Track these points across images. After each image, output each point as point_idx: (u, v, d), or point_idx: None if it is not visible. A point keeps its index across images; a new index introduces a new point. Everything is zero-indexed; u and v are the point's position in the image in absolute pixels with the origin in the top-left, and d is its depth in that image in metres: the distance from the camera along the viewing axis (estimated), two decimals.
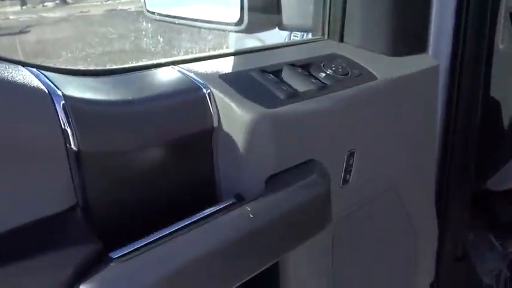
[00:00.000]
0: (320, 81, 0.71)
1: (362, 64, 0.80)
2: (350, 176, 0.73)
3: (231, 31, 1.01)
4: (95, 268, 0.42)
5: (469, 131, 1.18)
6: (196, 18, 1.04)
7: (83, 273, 0.41)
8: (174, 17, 1.10)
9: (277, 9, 1.03)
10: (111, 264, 0.43)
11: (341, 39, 0.90)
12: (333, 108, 0.69)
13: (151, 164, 0.57)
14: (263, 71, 0.69)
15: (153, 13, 1.12)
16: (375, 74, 0.78)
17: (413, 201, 0.92)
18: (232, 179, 0.62)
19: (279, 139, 0.61)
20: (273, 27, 1.06)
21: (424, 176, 0.95)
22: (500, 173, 1.16)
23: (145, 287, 0.42)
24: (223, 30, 1.02)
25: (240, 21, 1.01)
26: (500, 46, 1.10)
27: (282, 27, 1.05)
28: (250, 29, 1.02)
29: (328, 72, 0.74)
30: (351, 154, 0.73)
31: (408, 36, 0.88)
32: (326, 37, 0.91)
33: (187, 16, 1.06)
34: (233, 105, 0.60)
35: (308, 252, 0.65)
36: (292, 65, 0.72)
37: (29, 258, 0.41)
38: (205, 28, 1.04)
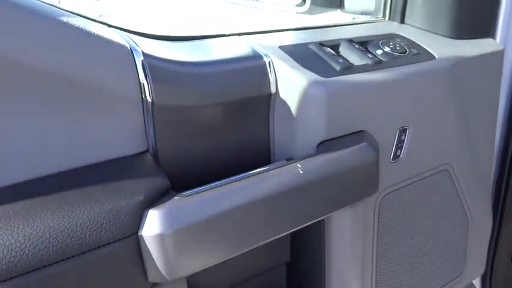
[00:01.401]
0: (376, 57, 0.74)
1: (421, 45, 0.82)
2: (401, 151, 0.75)
3: (293, 12, 1.04)
4: (161, 199, 0.48)
5: None
6: None
7: (151, 202, 0.48)
8: None
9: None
10: (175, 198, 0.49)
11: (402, 21, 0.91)
12: (387, 83, 0.71)
13: (214, 121, 0.62)
14: (321, 44, 0.72)
15: None
16: (433, 54, 0.79)
17: (468, 186, 0.92)
18: (287, 143, 0.67)
19: (332, 107, 0.64)
20: (335, 10, 1.09)
21: (481, 162, 0.94)
22: None
23: (199, 219, 0.48)
24: (286, 11, 1.06)
25: (302, 2, 1.04)
26: None
27: (344, 10, 1.07)
28: (312, 11, 1.06)
29: (385, 50, 0.76)
30: (403, 130, 0.74)
31: (471, 19, 0.87)
32: (387, 18, 0.93)
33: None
34: (291, 72, 0.64)
35: (353, 217, 0.68)
36: (350, 40, 0.75)
37: (109, 185, 0.48)
38: (268, 8, 1.09)
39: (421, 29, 0.89)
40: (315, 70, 0.65)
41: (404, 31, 0.87)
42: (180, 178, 0.59)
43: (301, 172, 0.55)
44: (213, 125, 0.63)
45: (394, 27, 0.89)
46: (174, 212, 0.47)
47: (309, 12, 1.04)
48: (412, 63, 0.76)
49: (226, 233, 0.50)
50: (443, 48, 0.83)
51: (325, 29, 0.87)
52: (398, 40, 0.81)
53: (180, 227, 0.46)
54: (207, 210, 0.48)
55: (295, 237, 0.74)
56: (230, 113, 0.64)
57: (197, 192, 0.51)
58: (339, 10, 1.09)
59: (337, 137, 0.66)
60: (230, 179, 0.57)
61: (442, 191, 0.88)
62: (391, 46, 0.78)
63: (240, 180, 0.54)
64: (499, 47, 0.89)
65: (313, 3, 1.03)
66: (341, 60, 0.69)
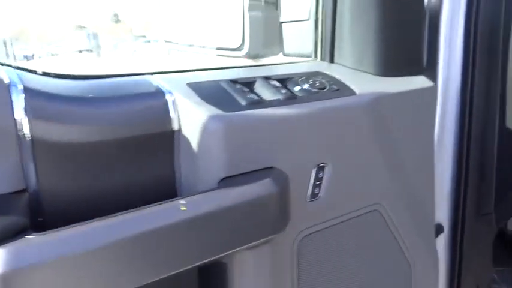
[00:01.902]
0: (292, 92, 0.73)
1: (345, 82, 0.81)
2: (320, 190, 0.73)
3: (233, 56, 1.05)
4: (12, 239, 0.45)
5: (485, 166, 1.13)
6: (203, 45, 1.11)
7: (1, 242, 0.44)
8: (187, 45, 1.17)
9: (280, 36, 1.07)
10: (25, 237, 0.46)
11: (332, 60, 0.91)
12: (299, 118, 0.69)
13: (109, 158, 0.60)
14: (234, 81, 0.72)
15: (170, 42, 1.20)
16: (354, 90, 0.79)
17: (406, 228, 0.88)
18: (191, 179, 0.64)
19: (234, 142, 0.62)
20: (274, 54, 1.10)
21: (420, 201, 0.91)
22: None
23: (45, 259, 0.44)
24: (227, 56, 1.07)
25: (241, 46, 1.06)
26: None
27: (285, 53, 1.09)
28: (252, 55, 1.07)
29: (303, 87, 0.76)
30: (321, 167, 0.72)
31: (398, 57, 0.88)
32: (319, 59, 0.93)
33: (196, 44, 1.13)
34: (192, 108, 0.63)
35: (259, 258, 0.64)
36: (267, 78, 0.75)
37: None
38: (211, 54, 1.10)
39: (350, 67, 0.89)
40: (218, 105, 0.64)
41: (332, 70, 0.87)
42: (65, 217, 0.56)
43: (182, 209, 0.52)
44: (109, 162, 0.61)
45: (324, 67, 0.90)
46: (12, 251, 0.44)
47: (249, 56, 1.05)
48: (330, 98, 0.75)
49: (84, 275, 0.46)
50: (367, 84, 0.82)
51: (251, 68, 0.88)
52: (320, 77, 0.81)
53: (17, 267, 0.43)
54: (57, 250, 0.45)
55: (202, 281, 0.70)
56: (129, 149, 0.62)
57: (58, 231, 0.48)
58: (281, 53, 1.11)
59: (242, 173, 0.64)
60: (102, 218, 0.54)
61: (375, 233, 0.84)
62: (310, 83, 0.77)
63: (108, 218, 0.51)
64: (430, 84, 0.89)
65: (252, 47, 1.05)
66: (250, 96, 0.68)
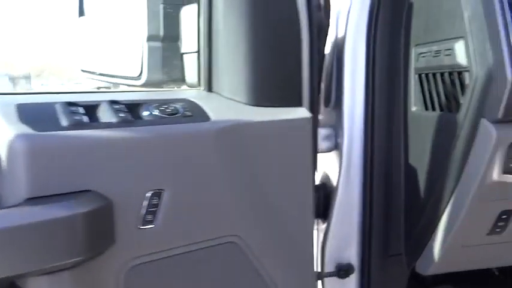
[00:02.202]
0: (134, 117, 0.71)
1: (206, 109, 0.79)
2: (155, 217, 0.70)
3: (133, 85, 1.05)
4: None
5: (391, 206, 1.09)
6: (111, 73, 1.12)
7: None
8: (99, 74, 1.18)
9: (181, 66, 1.08)
10: None
11: (210, 89, 0.90)
12: (132, 141, 0.68)
13: None
14: (71, 103, 0.71)
15: (86, 72, 1.22)
16: (211, 117, 0.77)
17: (273, 264, 0.84)
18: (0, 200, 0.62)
19: (45, 162, 0.61)
20: (178, 84, 1.10)
21: (295, 238, 0.87)
22: (425, 255, 1.04)
23: None
24: (127, 85, 1.07)
25: (139, 76, 1.06)
26: (413, 108, 1.04)
27: (187, 84, 1.08)
28: (150, 84, 1.07)
29: (153, 112, 0.74)
30: (156, 193, 0.70)
31: (271, 88, 0.87)
32: (202, 87, 0.93)
33: (106, 72, 1.14)
34: (4, 127, 0.62)
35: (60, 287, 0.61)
36: (114, 102, 0.74)
37: None
38: (113, 82, 1.10)
39: (225, 96, 0.88)
40: (33, 125, 0.63)
41: (205, 98, 0.86)
42: None
43: None
44: None
45: (200, 95, 0.89)
46: None
47: (146, 85, 1.05)
48: (177, 123, 0.74)
49: None
50: (230, 112, 0.81)
51: (121, 93, 0.87)
52: (180, 104, 0.79)
53: None
54: None
55: None
56: None
57: None
58: (184, 86, 1.10)
59: (53, 195, 0.62)
60: None
61: (233, 267, 0.80)
62: (162, 108, 0.76)
63: None
64: (306, 115, 0.87)
65: (151, 76, 1.04)
66: (76, 117, 0.67)
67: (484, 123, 0.82)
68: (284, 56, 0.88)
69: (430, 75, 0.96)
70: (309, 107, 0.91)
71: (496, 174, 0.84)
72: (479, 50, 0.81)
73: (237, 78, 0.87)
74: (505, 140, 0.81)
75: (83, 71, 1.21)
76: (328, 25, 1.14)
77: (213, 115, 0.78)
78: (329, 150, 1.16)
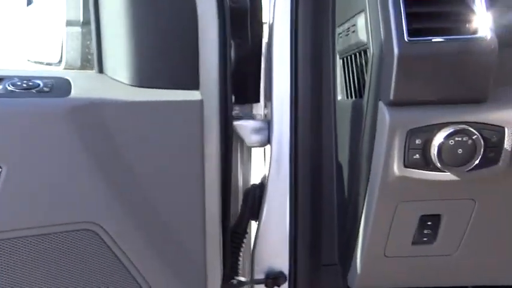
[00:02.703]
0: None
1: (75, 88, 0.74)
2: None
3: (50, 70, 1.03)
4: None
5: (323, 213, 0.98)
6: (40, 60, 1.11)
7: None
8: (39, 62, 1.18)
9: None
10: None
11: (101, 70, 0.86)
12: None
13: None
14: None
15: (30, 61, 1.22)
16: (73, 94, 0.71)
17: (145, 262, 0.76)
18: None
19: None
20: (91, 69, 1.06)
21: (173, 232, 0.79)
22: (352, 266, 0.91)
23: None
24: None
25: (58, 63, 1.04)
26: (339, 97, 0.92)
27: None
28: (71, 69, 1.04)
29: (6, 86, 0.71)
30: None
31: (156, 69, 0.80)
32: (95, 69, 0.88)
33: (39, 60, 1.13)
34: None
35: None
36: None
37: None
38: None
39: (110, 77, 0.83)
40: None
41: (86, 78, 0.82)
42: None
43: None
44: None
45: (87, 76, 0.84)
46: None
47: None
48: (25, 97, 0.69)
49: None
50: (102, 92, 0.75)
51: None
52: (45, 81, 0.75)
53: None
54: None
55: None
56: None
57: None
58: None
59: None
60: None
61: (91, 258, 0.73)
62: (19, 83, 0.72)
63: None
64: (193, 98, 0.80)
65: (70, 62, 1.02)
66: None
67: (381, 107, 0.70)
68: (174, 37, 0.81)
69: (346, 58, 0.85)
70: (218, 94, 0.84)
71: (396, 168, 0.70)
72: (374, 24, 0.70)
73: (121, 59, 0.81)
74: (401, 126, 0.68)
75: (28, 60, 1.22)
76: (256, 9, 1.07)
77: (76, 93, 0.73)
78: (261, 144, 1.06)
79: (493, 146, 0.69)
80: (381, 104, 0.70)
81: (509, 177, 0.72)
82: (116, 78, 0.82)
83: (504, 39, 0.70)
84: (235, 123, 1.06)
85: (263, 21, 1.11)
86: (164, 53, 0.81)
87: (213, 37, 0.86)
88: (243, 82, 1.10)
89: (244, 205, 1.12)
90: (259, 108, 1.14)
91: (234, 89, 1.08)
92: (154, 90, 0.80)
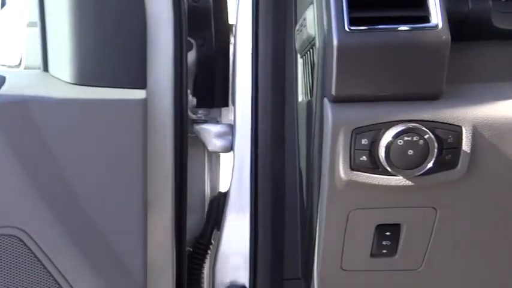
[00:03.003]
0: None
1: (7, 86, 0.71)
2: None
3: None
4: None
5: (284, 214, 0.92)
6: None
7: None
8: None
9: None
10: None
11: (46, 69, 0.82)
12: None
13: None
14: None
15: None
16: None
17: (77, 272, 0.71)
18: None
19: None
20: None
21: (108, 238, 0.74)
22: (313, 280, 0.84)
23: None
24: None
25: (18, 65, 1.01)
26: (299, 98, 0.87)
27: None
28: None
29: None
30: None
31: (97, 67, 0.76)
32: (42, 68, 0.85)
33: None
34: None
35: None
36: None
37: None
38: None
39: (53, 76, 0.79)
40: None
41: (27, 76, 0.79)
42: None
43: None
44: None
45: (29, 74, 0.81)
46: None
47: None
48: None
49: None
50: (36, 90, 0.71)
51: None
52: None
53: None
54: None
55: None
56: None
57: None
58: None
59: None
60: None
61: (15, 264, 0.68)
62: None
63: None
64: (136, 97, 0.75)
65: (30, 64, 0.99)
66: None
67: (325, 104, 0.64)
68: (118, 36, 0.77)
69: (305, 56, 0.80)
70: (171, 95, 0.80)
71: (342, 171, 0.64)
72: (319, 15, 0.64)
73: (63, 56, 0.77)
74: (345, 124, 0.62)
75: (2, 65, 1.20)
76: (221, 9, 1.02)
77: (4, 90, 0.69)
78: (225, 150, 1.01)
79: (450, 148, 0.62)
80: (325, 101, 0.64)
81: (470, 183, 0.65)
82: (58, 77, 0.78)
83: (459, 31, 0.64)
84: (197, 127, 1.02)
85: (230, 22, 1.08)
86: (108, 52, 0.77)
87: (167, 36, 0.82)
88: (208, 85, 1.06)
89: (209, 214, 1.06)
90: (230, 113, 1.10)
91: (198, 92, 1.04)
92: (95, 88, 0.76)
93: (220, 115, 1.12)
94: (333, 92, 0.61)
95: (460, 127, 0.62)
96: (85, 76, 0.76)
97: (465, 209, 0.67)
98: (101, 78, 0.77)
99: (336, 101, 0.62)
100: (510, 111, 0.61)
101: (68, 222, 0.71)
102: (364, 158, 0.63)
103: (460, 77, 0.66)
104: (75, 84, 0.76)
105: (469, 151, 0.62)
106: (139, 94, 0.76)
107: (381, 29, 0.58)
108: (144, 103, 0.76)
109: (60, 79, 0.77)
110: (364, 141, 0.62)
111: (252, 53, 0.87)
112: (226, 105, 1.06)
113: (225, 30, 1.03)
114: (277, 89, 0.87)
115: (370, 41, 0.58)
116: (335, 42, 0.59)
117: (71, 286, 0.71)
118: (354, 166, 0.63)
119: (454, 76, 0.66)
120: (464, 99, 0.62)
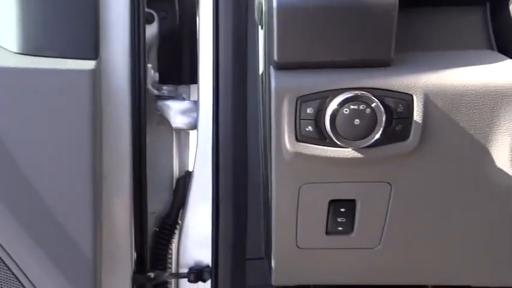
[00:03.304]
0: None
1: None
2: None
3: None
4: None
5: (245, 193, 0.89)
6: None
7: None
8: None
9: None
10: None
11: None
12: None
13: None
14: None
15: None
16: None
17: (28, 258, 0.69)
18: None
19: None
20: None
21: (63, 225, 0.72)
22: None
23: None
24: None
25: None
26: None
27: None
28: None
29: None
30: None
31: (43, 37, 0.74)
32: None
33: None
34: None
35: None
36: None
37: None
38: None
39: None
40: None
41: None
42: None
43: None
44: None
45: None
46: None
47: None
48: None
49: None
50: None
51: None
52: None
53: None
54: None
55: None
56: None
57: None
58: None
59: None
60: None
61: None
62: None
63: None
64: (85, 67, 0.72)
65: None
66: None
67: (271, 72, 0.61)
68: (68, 5, 0.74)
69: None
70: (128, 67, 0.78)
71: (288, 142, 0.61)
72: None
73: (9, 25, 0.74)
74: (289, 92, 0.58)
75: None
76: None
77: None
78: (189, 127, 0.98)
79: (400, 118, 0.59)
80: (271, 69, 0.61)
81: (423, 155, 0.61)
82: (2, 45, 0.75)
83: None
84: (160, 103, 1.00)
85: None
86: (55, 20, 0.74)
87: (122, 6, 0.79)
88: (173, 60, 1.03)
89: (175, 193, 1.04)
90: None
91: (162, 67, 1.01)
92: (41, 58, 0.74)
93: (189, 92, 1.10)
94: (276, 58, 0.58)
95: (411, 95, 0.58)
96: (31, 45, 0.74)
97: (420, 183, 0.64)
98: (48, 48, 0.74)
99: (280, 68, 0.59)
100: (463, 79, 0.58)
101: (13, 203, 0.69)
102: (310, 128, 0.59)
103: (412, 44, 0.63)
104: (21, 54, 0.73)
105: (420, 121, 0.59)
106: (88, 65, 0.74)
107: None
108: (93, 74, 0.73)
109: (5, 48, 0.75)
110: (309, 110, 0.59)
111: (213, 27, 0.84)
112: (195, 82, 1.03)
113: (190, 4, 1.00)
114: (239, 62, 0.84)
115: (311, 2, 0.55)
116: (274, 3, 0.55)
117: (23, 272, 0.69)
118: (300, 137, 0.60)
119: (406, 43, 0.62)
120: (416, 67, 0.59)
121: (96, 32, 0.76)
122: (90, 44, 0.76)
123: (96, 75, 0.74)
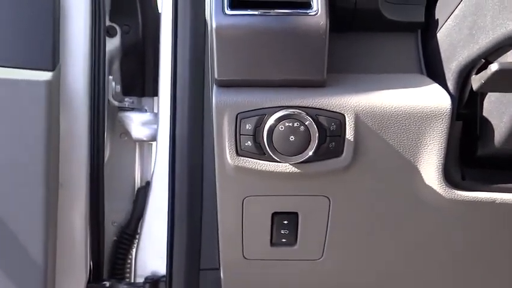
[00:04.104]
0: None
1: None
2: None
3: None
4: None
5: (201, 203, 0.91)
6: None
7: None
8: None
9: None
10: None
11: None
12: None
13: None
14: None
15: None
16: None
17: None
18: None
19: None
20: None
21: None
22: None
23: None
24: None
25: None
26: None
27: None
28: None
29: None
30: None
31: (14, 48, 0.76)
32: None
33: None
34: None
35: None
36: None
37: None
38: None
39: None
40: None
41: None
42: None
43: None
44: None
45: None
46: None
47: None
48: None
49: None
50: None
51: None
52: None
53: None
54: None
55: None
56: None
57: None
58: None
59: None
60: None
61: None
62: None
63: None
64: (41, 78, 0.74)
65: None
66: None
67: (214, 89, 0.64)
68: (25, 17, 0.76)
69: None
70: (89, 80, 0.80)
71: (229, 156, 0.63)
72: None
73: None
74: (229, 108, 0.61)
75: None
76: None
77: None
78: (149, 139, 1.01)
79: (334, 136, 0.62)
80: (214, 86, 0.64)
81: (356, 171, 0.65)
82: None
83: (349, 22, 0.64)
84: (121, 114, 1.02)
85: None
86: (12, 31, 0.76)
87: (82, 19, 0.82)
88: (136, 73, 1.05)
89: (135, 204, 1.06)
90: None
91: (125, 80, 1.04)
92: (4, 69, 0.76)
93: (152, 104, 1.12)
94: (216, 75, 0.61)
95: (343, 115, 0.62)
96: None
97: (354, 197, 0.67)
98: (3, 58, 0.77)
99: (221, 85, 0.62)
100: (391, 100, 0.61)
101: None
102: (249, 143, 0.62)
103: (348, 66, 0.66)
104: None
105: (352, 139, 0.62)
106: (44, 76, 0.76)
107: (257, 13, 0.58)
108: (49, 85, 0.75)
109: None
110: (248, 126, 0.62)
111: (172, 41, 0.86)
112: (157, 94, 1.06)
113: (154, 18, 1.03)
114: (196, 77, 0.87)
115: (246, 25, 0.58)
116: (214, 25, 0.58)
117: None
118: (241, 152, 0.63)
119: (342, 66, 0.66)
120: (349, 88, 0.62)
121: (54, 43, 0.79)
122: (47, 55, 0.78)
123: (52, 86, 0.76)
